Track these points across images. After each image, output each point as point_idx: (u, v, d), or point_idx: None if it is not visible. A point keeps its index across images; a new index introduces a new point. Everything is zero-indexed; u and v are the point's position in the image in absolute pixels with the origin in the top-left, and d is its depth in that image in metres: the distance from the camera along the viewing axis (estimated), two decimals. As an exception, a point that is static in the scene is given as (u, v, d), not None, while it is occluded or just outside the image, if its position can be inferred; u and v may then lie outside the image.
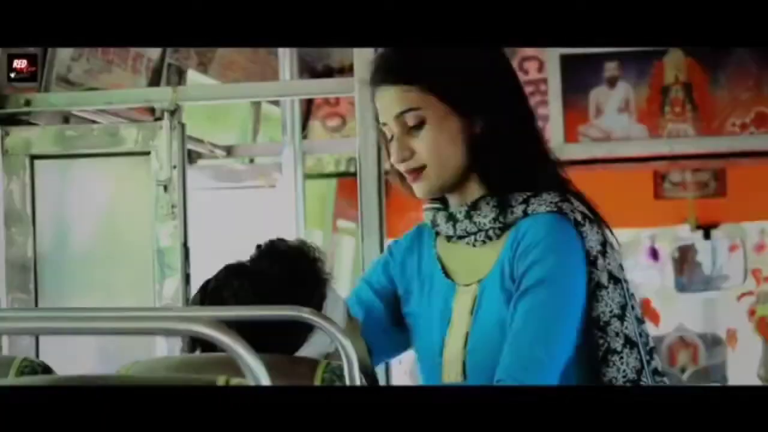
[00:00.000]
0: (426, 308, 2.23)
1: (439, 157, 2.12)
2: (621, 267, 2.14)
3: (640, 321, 2.14)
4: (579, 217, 2.10)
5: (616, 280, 2.11)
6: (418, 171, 2.14)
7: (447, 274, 2.21)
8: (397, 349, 2.35)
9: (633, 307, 2.13)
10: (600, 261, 2.09)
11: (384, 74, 2.14)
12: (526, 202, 2.12)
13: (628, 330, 2.10)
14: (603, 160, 5.86)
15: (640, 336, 2.12)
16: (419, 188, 2.16)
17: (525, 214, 2.11)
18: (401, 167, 2.16)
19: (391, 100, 2.13)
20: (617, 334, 2.08)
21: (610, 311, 2.09)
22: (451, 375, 2.16)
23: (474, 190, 2.16)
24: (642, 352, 2.11)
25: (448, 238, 2.21)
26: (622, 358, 2.08)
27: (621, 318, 2.09)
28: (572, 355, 2.08)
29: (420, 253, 2.27)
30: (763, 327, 6.66)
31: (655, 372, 2.14)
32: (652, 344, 2.15)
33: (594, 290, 2.09)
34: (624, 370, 2.08)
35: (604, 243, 2.11)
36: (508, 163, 2.13)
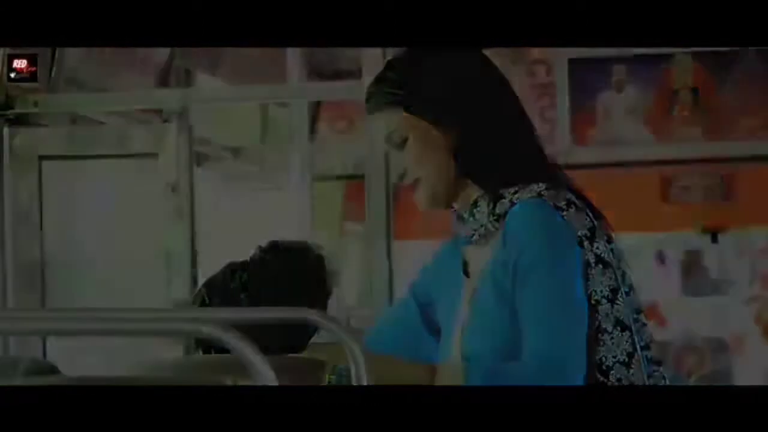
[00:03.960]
0: (446, 305, 2.31)
1: (427, 170, 2.24)
2: (614, 253, 2.19)
3: (637, 310, 2.20)
4: (562, 203, 2.18)
5: (605, 263, 2.17)
6: (414, 185, 2.26)
7: (466, 272, 2.29)
8: (422, 354, 2.39)
9: (627, 293, 2.19)
10: (586, 243, 2.16)
11: (371, 103, 2.28)
12: (515, 193, 2.20)
13: (620, 313, 2.16)
14: (610, 164, 5.85)
15: (635, 322, 2.18)
16: (418, 200, 2.28)
17: (512, 204, 2.20)
18: (402, 183, 2.29)
19: (380, 124, 2.28)
20: (607, 315, 2.15)
21: (600, 292, 2.16)
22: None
23: (472, 193, 2.25)
24: (635, 338, 2.16)
25: (467, 239, 2.29)
26: (612, 338, 2.14)
27: (611, 301, 2.16)
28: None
29: (454, 254, 2.34)
30: (770, 332, 6.65)
31: (652, 360, 2.18)
32: (649, 333, 2.21)
33: (584, 270, 2.15)
34: (614, 351, 2.14)
35: (593, 228, 2.18)
36: (493, 166, 2.23)
